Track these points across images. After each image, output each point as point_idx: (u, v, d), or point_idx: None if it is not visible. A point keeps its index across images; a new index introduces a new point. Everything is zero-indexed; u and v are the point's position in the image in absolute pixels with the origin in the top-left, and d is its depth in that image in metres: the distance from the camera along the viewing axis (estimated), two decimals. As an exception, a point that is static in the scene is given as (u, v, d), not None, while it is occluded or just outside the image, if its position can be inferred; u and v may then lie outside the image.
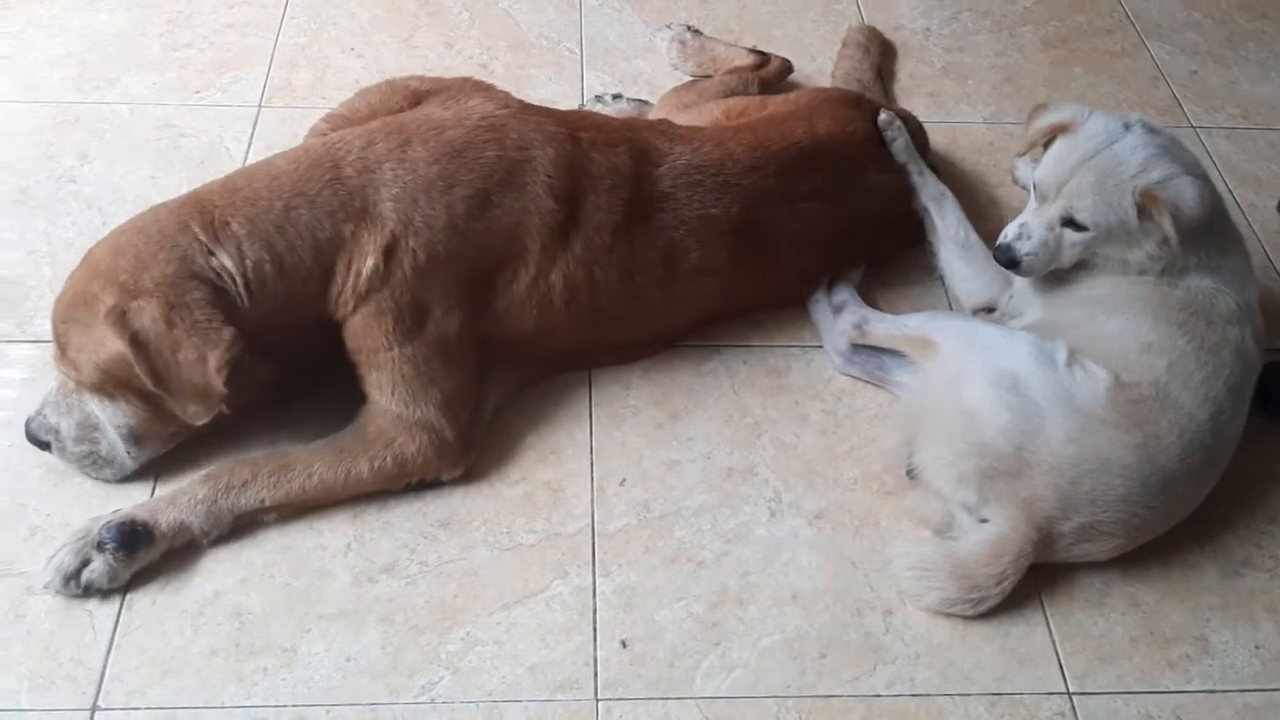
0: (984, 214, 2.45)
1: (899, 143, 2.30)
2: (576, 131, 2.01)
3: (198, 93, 2.61)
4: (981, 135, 2.70)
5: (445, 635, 1.79)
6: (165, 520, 1.81)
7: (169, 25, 2.77)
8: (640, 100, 2.62)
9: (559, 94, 2.66)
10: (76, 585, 1.77)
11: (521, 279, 1.95)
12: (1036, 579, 1.88)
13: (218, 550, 1.86)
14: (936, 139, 2.55)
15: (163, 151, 2.47)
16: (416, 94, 2.08)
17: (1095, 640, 1.86)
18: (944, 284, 2.31)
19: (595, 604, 1.84)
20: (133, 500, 1.87)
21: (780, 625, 1.84)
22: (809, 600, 1.87)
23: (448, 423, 1.92)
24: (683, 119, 2.31)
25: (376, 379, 1.90)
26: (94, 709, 1.68)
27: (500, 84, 2.11)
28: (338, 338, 1.90)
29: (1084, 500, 1.83)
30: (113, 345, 1.75)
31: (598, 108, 2.58)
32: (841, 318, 2.17)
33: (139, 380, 1.77)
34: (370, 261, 1.84)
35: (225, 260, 1.79)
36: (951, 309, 2.28)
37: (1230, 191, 2.58)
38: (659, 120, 2.27)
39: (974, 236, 2.26)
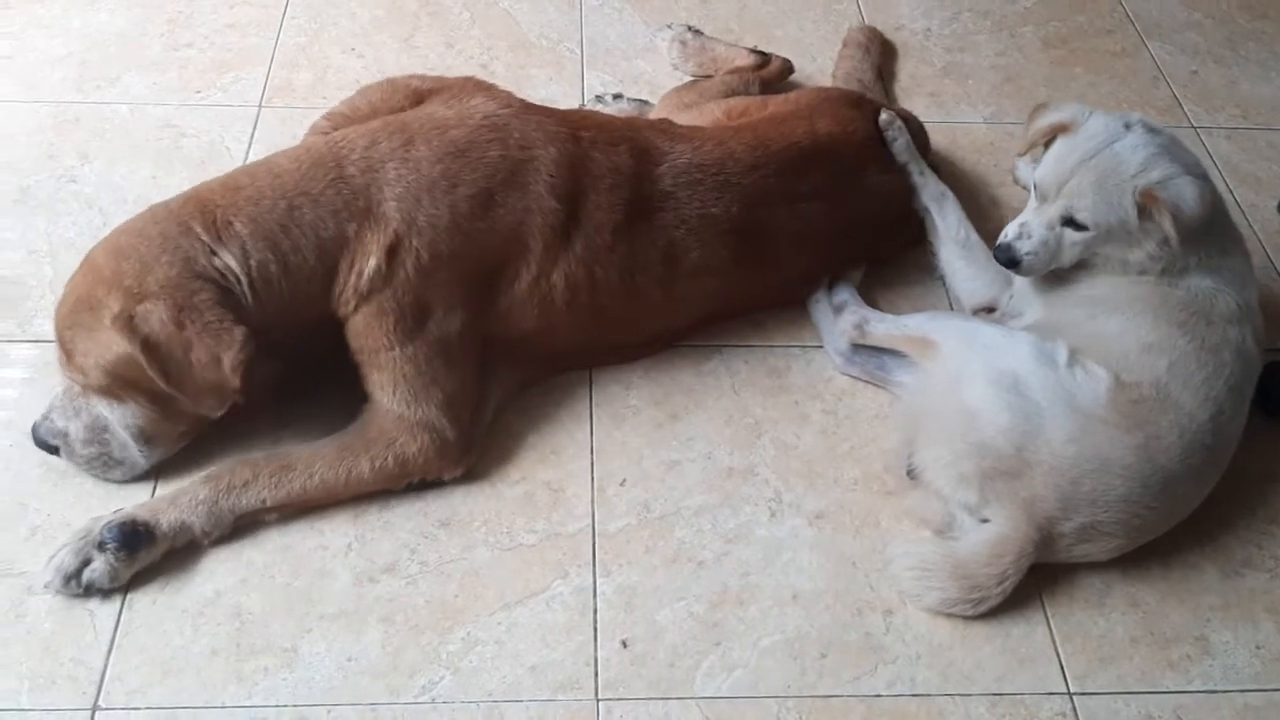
0: (984, 214, 2.45)
1: (900, 143, 2.30)
2: (578, 131, 2.01)
3: (198, 93, 2.61)
4: (982, 135, 2.70)
5: (446, 635, 1.79)
6: (166, 520, 1.81)
7: (170, 25, 2.77)
8: (641, 100, 2.62)
9: (559, 94, 2.66)
10: (77, 585, 1.77)
11: (523, 278, 1.95)
12: (1037, 579, 1.88)
13: (219, 550, 1.86)
14: (937, 139, 2.55)
15: (163, 151, 2.47)
16: (418, 93, 2.08)
17: (1096, 640, 1.86)
18: (944, 284, 2.32)
19: (596, 604, 1.84)
20: (134, 500, 1.87)
21: (781, 625, 1.84)
22: (809, 600, 1.87)
23: (449, 422, 1.92)
24: (683, 119, 2.31)
25: (378, 379, 1.90)
26: (95, 709, 1.69)
27: (501, 84, 2.11)
28: (340, 336, 1.90)
29: (1084, 500, 1.83)
30: (120, 348, 1.75)
31: (598, 107, 2.58)
32: (842, 318, 2.17)
33: (148, 381, 1.77)
34: (373, 261, 1.84)
35: (229, 260, 1.79)
36: (952, 309, 2.28)
37: (1230, 191, 2.59)
38: (660, 120, 2.27)
39: (974, 236, 2.26)
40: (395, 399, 1.90)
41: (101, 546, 1.77)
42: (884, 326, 2.13)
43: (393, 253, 1.85)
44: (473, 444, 1.97)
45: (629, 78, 2.74)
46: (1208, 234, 1.94)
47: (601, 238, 1.99)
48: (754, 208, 2.10)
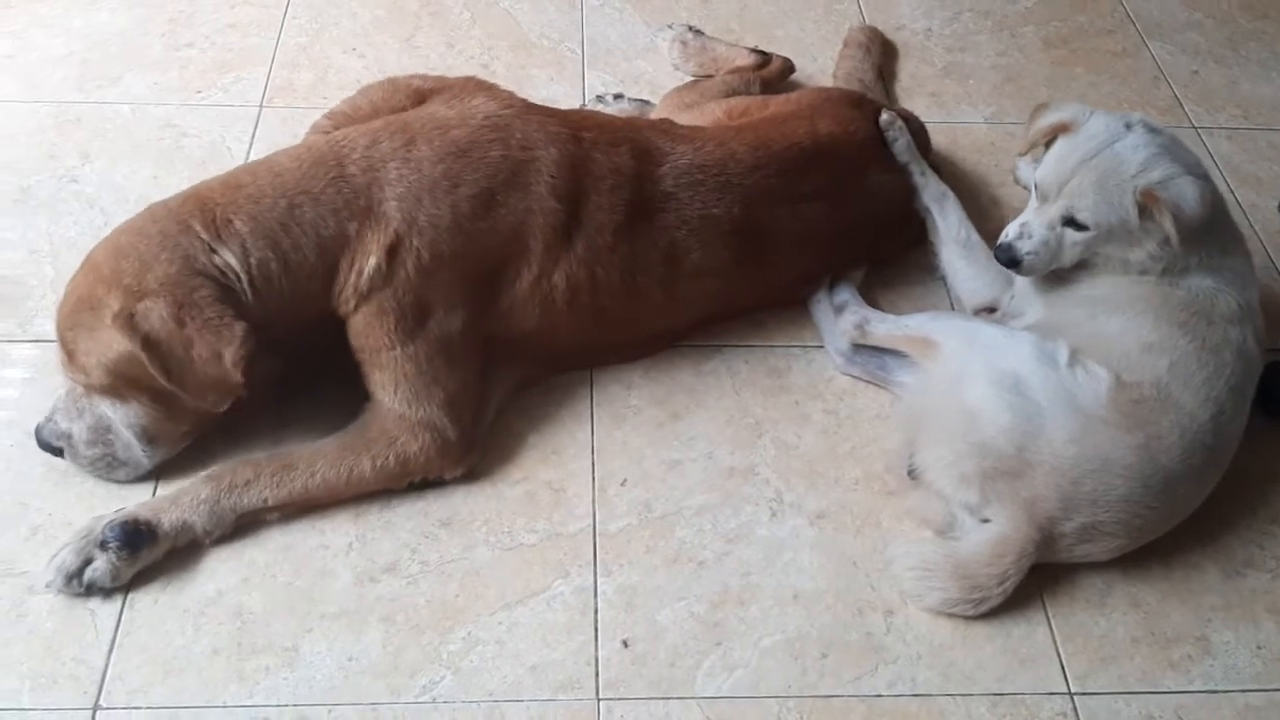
0: (985, 214, 2.45)
1: (900, 143, 2.30)
2: (579, 131, 2.01)
3: (199, 92, 2.61)
4: (983, 135, 2.70)
5: (447, 635, 1.79)
6: (168, 519, 1.81)
7: (171, 25, 2.77)
8: (642, 100, 2.62)
9: (560, 94, 2.66)
10: (79, 584, 1.77)
11: (524, 278, 1.95)
12: (1038, 579, 1.88)
13: (220, 549, 1.86)
14: (938, 139, 2.55)
15: (164, 151, 2.47)
16: (419, 93, 2.08)
17: (1097, 640, 1.86)
18: (945, 284, 2.32)
19: (596, 604, 1.84)
20: (135, 499, 1.87)
21: (781, 625, 1.84)
22: (810, 600, 1.87)
23: (450, 422, 1.92)
24: (684, 119, 2.31)
25: (379, 378, 1.90)
26: (96, 708, 1.69)
27: (502, 84, 2.11)
28: (342, 335, 1.90)
29: (1085, 500, 1.83)
30: (121, 347, 1.75)
31: (599, 107, 2.58)
32: (843, 318, 2.17)
33: (150, 379, 1.77)
34: (373, 260, 1.84)
35: (229, 258, 1.79)
36: (953, 309, 2.28)
37: (1231, 192, 2.59)
38: (661, 120, 2.27)
39: (975, 236, 2.26)
40: (396, 398, 1.90)
41: (103, 545, 1.77)
42: (885, 326, 2.13)
43: (393, 252, 1.85)
44: (474, 443, 1.97)
45: (630, 78, 2.74)
46: (1208, 234, 1.94)
47: (603, 238, 1.99)
48: (755, 208, 2.11)
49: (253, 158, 2.42)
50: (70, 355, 1.82)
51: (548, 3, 2.92)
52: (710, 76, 2.66)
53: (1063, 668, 1.83)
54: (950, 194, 2.31)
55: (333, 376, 1.94)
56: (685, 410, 2.11)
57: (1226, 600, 1.92)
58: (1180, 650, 1.86)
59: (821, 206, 2.18)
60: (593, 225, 1.98)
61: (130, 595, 1.80)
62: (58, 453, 1.88)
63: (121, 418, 1.85)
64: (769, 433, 2.09)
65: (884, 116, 2.30)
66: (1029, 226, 1.99)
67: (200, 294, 1.75)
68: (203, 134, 2.51)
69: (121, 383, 1.82)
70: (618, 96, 2.63)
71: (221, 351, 1.74)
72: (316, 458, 1.88)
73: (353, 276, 1.85)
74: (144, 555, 1.79)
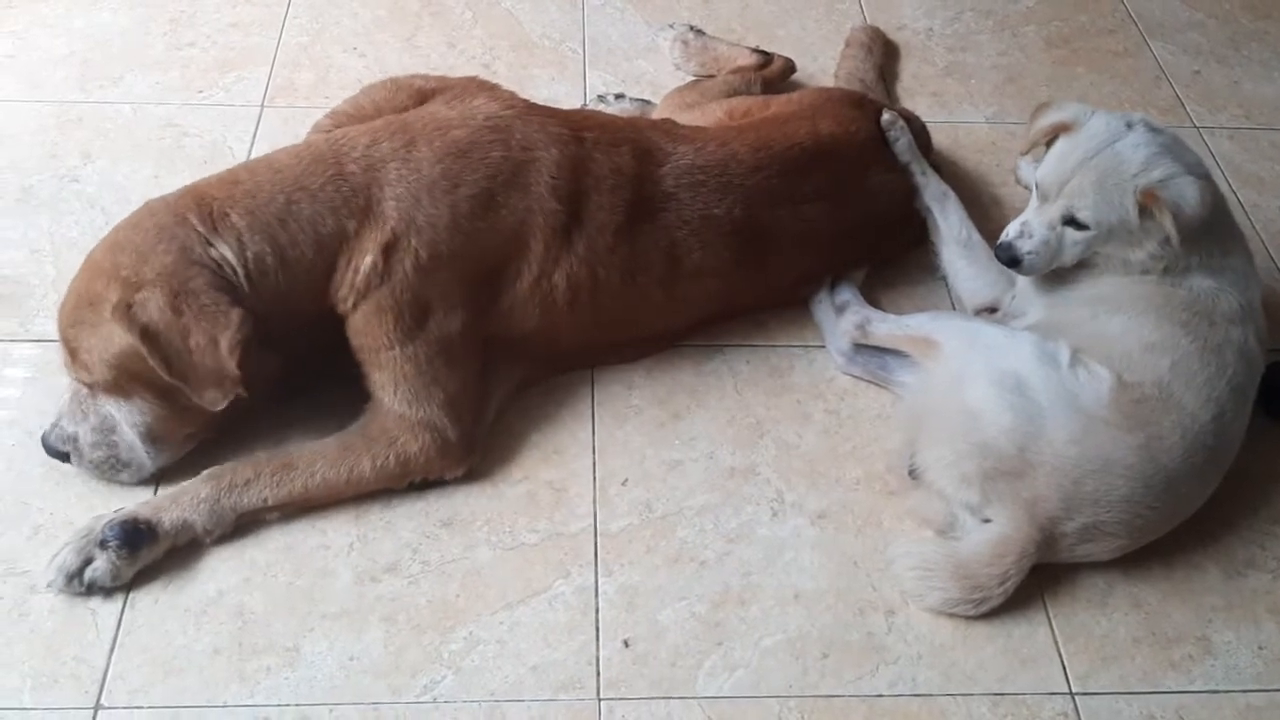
0: (986, 214, 2.45)
1: (902, 143, 2.30)
2: (580, 132, 2.01)
3: (201, 92, 2.61)
4: (984, 135, 2.70)
5: (448, 634, 1.79)
6: (168, 519, 1.81)
7: (172, 25, 2.77)
8: (643, 100, 2.62)
9: (561, 94, 2.67)
10: (79, 584, 1.77)
11: (525, 279, 1.95)
12: (1039, 579, 1.88)
13: (221, 549, 1.86)
14: (939, 139, 2.55)
15: (166, 151, 2.47)
16: (421, 92, 2.08)
17: (1098, 640, 1.86)
18: (946, 284, 2.31)
19: (597, 603, 1.84)
20: (135, 499, 1.87)
21: (782, 625, 1.84)
22: (811, 600, 1.87)
23: (450, 422, 1.92)
24: (686, 119, 2.31)
25: (379, 378, 1.90)
26: (97, 708, 1.69)
27: (503, 84, 2.11)
28: (343, 334, 1.90)
29: (1087, 500, 1.83)
30: (121, 340, 1.76)
31: (600, 107, 2.58)
32: (844, 318, 2.17)
33: (152, 373, 1.78)
34: (369, 259, 1.84)
35: (225, 251, 1.79)
36: (954, 309, 2.28)
37: (1233, 191, 2.58)
38: (662, 120, 2.27)
39: (976, 236, 2.26)
40: (396, 398, 1.90)
41: (104, 545, 1.77)
42: (886, 326, 2.13)
43: (389, 251, 1.85)
44: (474, 444, 1.97)
45: (631, 78, 2.74)
46: (1209, 234, 1.94)
47: (603, 238, 1.99)
48: (756, 208, 2.10)
49: (254, 157, 2.42)
50: (73, 354, 1.83)
51: (549, 2, 2.92)
52: (712, 76, 2.66)
53: (1064, 668, 1.83)
54: (951, 194, 2.31)
55: (333, 376, 1.94)
56: (686, 410, 2.11)
57: (1228, 600, 1.92)
58: (1181, 650, 1.86)
59: (823, 206, 2.17)
60: (593, 225, 1.98)
61: (131, 595, 1.80)
62: (64, 458, 1.88)
63: (125, 416, 1.85)
64: (770, 432, 2.09)
65: (885, 116, 2.30)
66: (1029, 226, 1.99)
67: (196, 282, 1.76)
68: (204, 133, 2.51)
69: (124, 378, 1.82)
70: (619, 96, 2.63)
71: (218, 337, 1.74)
72: (317, 458, 1.88)
73: (350, 274, 1.85)
74: (144, 554, 1.80)
